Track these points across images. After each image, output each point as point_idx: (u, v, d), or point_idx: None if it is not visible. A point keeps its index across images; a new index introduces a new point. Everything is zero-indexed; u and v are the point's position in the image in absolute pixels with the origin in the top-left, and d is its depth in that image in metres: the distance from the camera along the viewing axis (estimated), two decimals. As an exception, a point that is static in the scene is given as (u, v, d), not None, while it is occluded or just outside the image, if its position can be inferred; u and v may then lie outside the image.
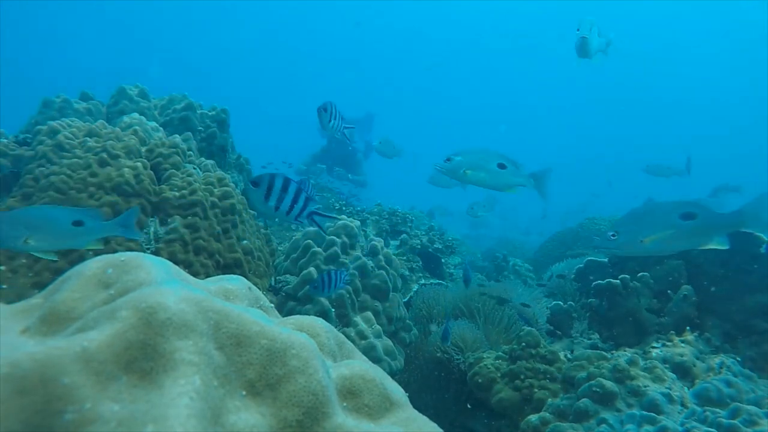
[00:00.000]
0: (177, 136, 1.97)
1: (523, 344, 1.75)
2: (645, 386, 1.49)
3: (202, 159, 2.03)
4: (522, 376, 1.69)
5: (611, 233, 1.74)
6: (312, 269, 1.86)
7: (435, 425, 0.58)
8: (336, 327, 1.68)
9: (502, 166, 1.95)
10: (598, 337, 2.06)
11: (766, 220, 1.65)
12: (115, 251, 0.84)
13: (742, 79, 20.57)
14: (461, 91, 25.76)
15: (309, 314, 0.81)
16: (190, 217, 1.71)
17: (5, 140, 1.81)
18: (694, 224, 1.62)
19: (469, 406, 1.90)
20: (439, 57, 24.42)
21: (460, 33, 24.64)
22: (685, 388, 1.54)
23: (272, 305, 0.68)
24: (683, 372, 1.62)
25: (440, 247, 3.23)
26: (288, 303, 1.83)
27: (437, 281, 2.84)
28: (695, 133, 19.54)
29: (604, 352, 1.68)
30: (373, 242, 2.08)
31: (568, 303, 2.21)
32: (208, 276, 0.88)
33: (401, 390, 0.60)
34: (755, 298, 1.82)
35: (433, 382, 2.05)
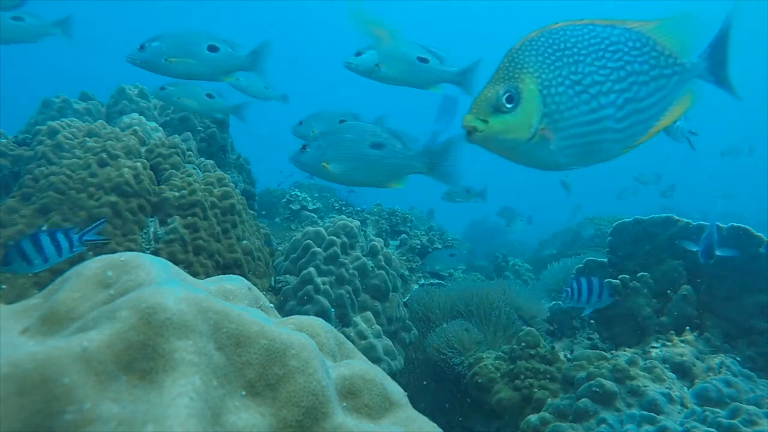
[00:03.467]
0: (177, 136, 1.97)
1: (523, 344, 1.75)
2: (645, 386, 1.49)
3: (202, 159, 2.03)
4: (522, 376, 1.69)
5: (301, 147, 1.54)
6: (312, 269, 1.86)
7: (435, 425, 0.58)
8: (336, 327, 1.68)
9: (423, 60, 1.76)
10: (597, 337, 2.06)
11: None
12: (114, 251, 0.84)
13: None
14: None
15: (309, 314, 0.81)
16: (189, 218, 1.71)
17: (5, 140, 1.81)
18: (381, 154, 1.50)
19: (467, 406, 1.90)
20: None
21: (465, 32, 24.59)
22: (685, 388, 1.54)
23: (272, 305, 0.68)
24: (683, 372, 1.62)
25: (440, 247, 3.22)
26: (288, 303, 1.83)
27: (437, 281, 2.84)
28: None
29: (603, 352, 1.68)
30: (372, 242, 2.08)
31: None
32: (207, 276, 0.88)
33: (401, 390, 0.60)
34: (755, 298, 1.82)
35: (432, 382, 2.05)
